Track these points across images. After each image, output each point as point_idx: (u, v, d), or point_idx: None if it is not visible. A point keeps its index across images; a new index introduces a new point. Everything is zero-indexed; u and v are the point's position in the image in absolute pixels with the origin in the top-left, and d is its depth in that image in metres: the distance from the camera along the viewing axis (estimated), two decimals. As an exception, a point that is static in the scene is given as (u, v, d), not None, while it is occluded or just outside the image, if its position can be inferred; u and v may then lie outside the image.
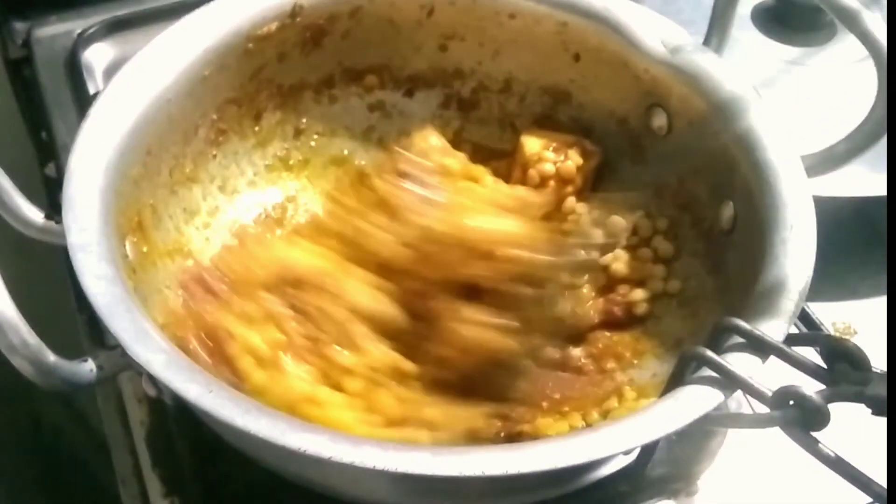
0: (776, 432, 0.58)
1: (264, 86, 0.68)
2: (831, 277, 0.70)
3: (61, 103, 0.79)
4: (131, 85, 0.60)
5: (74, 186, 0.54)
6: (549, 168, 0.67)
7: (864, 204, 0.71)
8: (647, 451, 0.52)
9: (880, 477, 0.43)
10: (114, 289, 0.50)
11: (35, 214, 0.54)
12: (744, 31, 0.84)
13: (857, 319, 0.69)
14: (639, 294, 0.63)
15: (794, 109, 0.76)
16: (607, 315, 0.63)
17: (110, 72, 0.80)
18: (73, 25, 0.84)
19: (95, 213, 0.53)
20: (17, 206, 0.54)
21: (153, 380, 0.48)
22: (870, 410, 0.43)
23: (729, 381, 0.47)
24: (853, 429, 0.51)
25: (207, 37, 0.63)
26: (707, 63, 0.64)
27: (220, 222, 0.67)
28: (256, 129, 0.69)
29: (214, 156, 0.67)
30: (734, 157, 0.60)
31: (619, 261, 0.65)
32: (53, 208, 0.54)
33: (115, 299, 0.49)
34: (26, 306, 0.49)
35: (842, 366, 0.45)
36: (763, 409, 0.46)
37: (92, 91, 0.79)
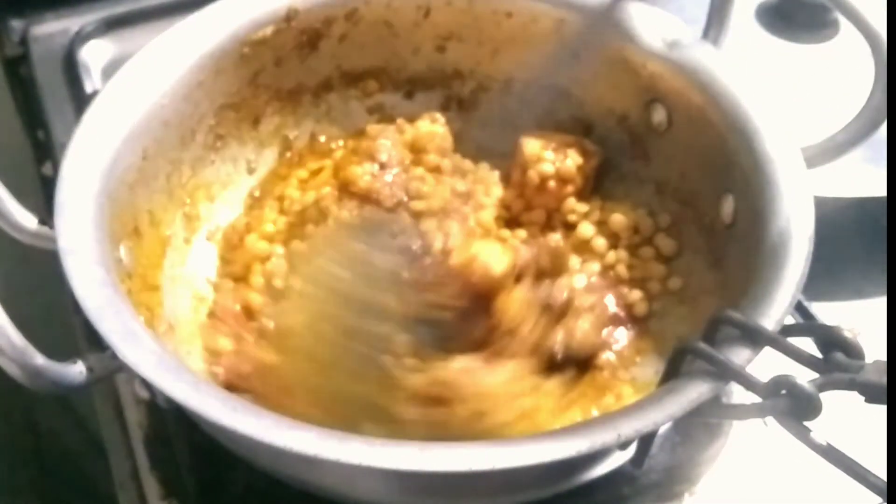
0: (777, 436, 0.58)
1: (262, 90, 0.68)
2: (834, 278, 0.69)
3: (58, 101, 0.79)
4: (126, 90, 0.60)
5: (66, 191, 0.54)
6: (548, 169, 0.67)
7: (867, 204, 0.70)
8: (644, 446, 0.51)
9: (877, 469, 0.42)
10: (104, 291, 0.50)
11: (28, 220, 0.54)
12: (748, 28, 0.83)
13: (860, 319, 0.67)
14: (637, 294, 0.62)
15: (798, 107, 0.75)
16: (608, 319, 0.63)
17: (108, 70, 0.81)
18: (70, 23, 0.84)
19: (88, 218, 0.53)
20: (9, 212, 0.54)
21: (145, 383, 0.48)
22: (863, 398, 0.42)
23: (722, 372, 0.46)
24: (850, 422, 0.50)
25: (202, 42, 0.64)
26: (705, 56, 0.63)
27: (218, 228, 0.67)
28: (255, 133, 0.69)
29: (213, 161, 0.67)
30: (733, 149, 0.60)
31: (620, 261, 0.65)
32: (49, 207, 0.53)
33: (105, 301, 0.49)
34: (26, 308, 0.49)
35: (836, 355, 0.44)
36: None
37: (89, 89, 0.79)
